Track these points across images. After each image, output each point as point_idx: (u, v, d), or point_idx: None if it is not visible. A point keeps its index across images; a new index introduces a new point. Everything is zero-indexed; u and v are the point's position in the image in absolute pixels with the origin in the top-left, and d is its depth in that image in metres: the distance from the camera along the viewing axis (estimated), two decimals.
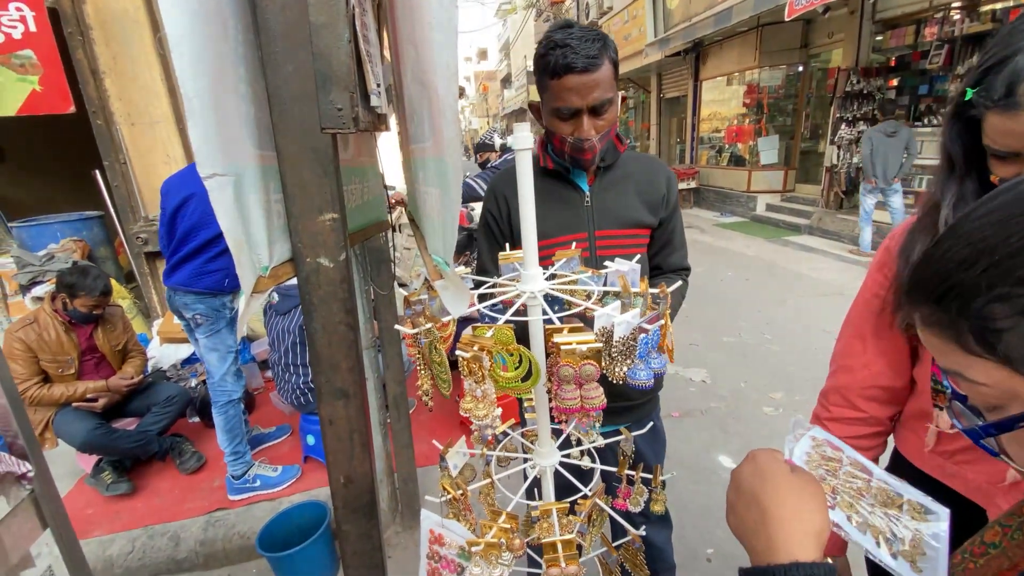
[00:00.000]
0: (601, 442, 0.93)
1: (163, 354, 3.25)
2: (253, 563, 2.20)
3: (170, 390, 2.68)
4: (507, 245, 1.05)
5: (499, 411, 0.63)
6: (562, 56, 1.00)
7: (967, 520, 0.78)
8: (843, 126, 6.94)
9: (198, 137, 0.60)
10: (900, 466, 0.94)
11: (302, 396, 2.50)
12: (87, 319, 2.42)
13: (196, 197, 2.16)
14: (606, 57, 1.04)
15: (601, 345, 0.59)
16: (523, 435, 0.96)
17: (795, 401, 3.12)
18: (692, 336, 4.11)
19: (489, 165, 3.53)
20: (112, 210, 3.70)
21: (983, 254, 0.36)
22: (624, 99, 1.16)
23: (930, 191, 0.79)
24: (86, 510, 2.43)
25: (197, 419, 3.01)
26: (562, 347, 0.59)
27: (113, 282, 2.99)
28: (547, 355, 0.68)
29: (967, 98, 0.66)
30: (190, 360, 3.29)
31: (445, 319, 0.71)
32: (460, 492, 0.77)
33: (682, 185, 10.58)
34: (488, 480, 0.82)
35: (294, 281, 2.38)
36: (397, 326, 0.78)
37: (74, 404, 2.40)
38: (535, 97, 1.21)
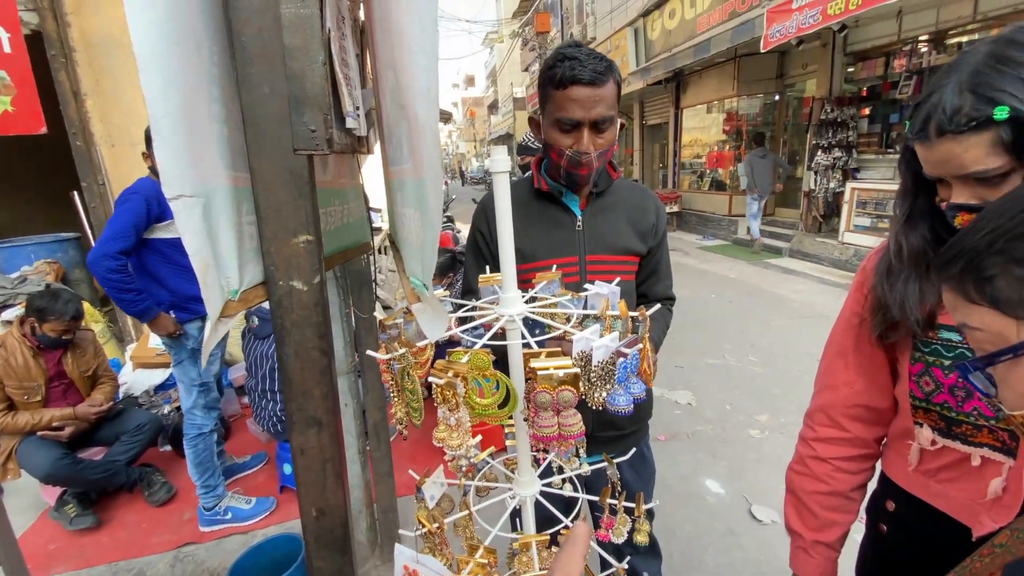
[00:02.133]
0: (584, 470, 0.91)
1: (136, 380, 3.14)
2: None
3: (141, 418, 2.58)
4: (494, 264, 1.04)
5: (476, 440, 0.61)
6: (569, 68, 1.02)
7: (956, 541, 0.77)
8: (819, 153, 7.17)
9: (166, 158, 0.59)
10: (888, 489, 0.93)
11: (279, 424, 2.42)
12: (56, 344, 2.33)
13: None
14: (611, 77, 1.06)
15: (579, 370, 0.57)
16: (504, 463, 0.93)
17: (780, 423, 3.12)
18: (677, 358, 4.12)
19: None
20: (89, 231, 3.62)
21: (988, 222, 0.47)
22: (622, 125, 1.18)
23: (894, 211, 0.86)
24: (48, 545, 2.30)
25: (169, 448, 2.90)
26: (539, 372, 0.57)
27: (86, 305, 2.91)
28: (526, 380, 0.67)
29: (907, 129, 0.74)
30: (164, 386, 3.19)
31: (422, 344, 0.69)
32: (436, 525, 0.74)
33: (665, 209, 10.77)
34: (465, 512, 0.79)
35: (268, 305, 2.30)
36: (369, 351, 0.75)
37: (39, 433, 2.29)
38: (522, 124, 1.23)
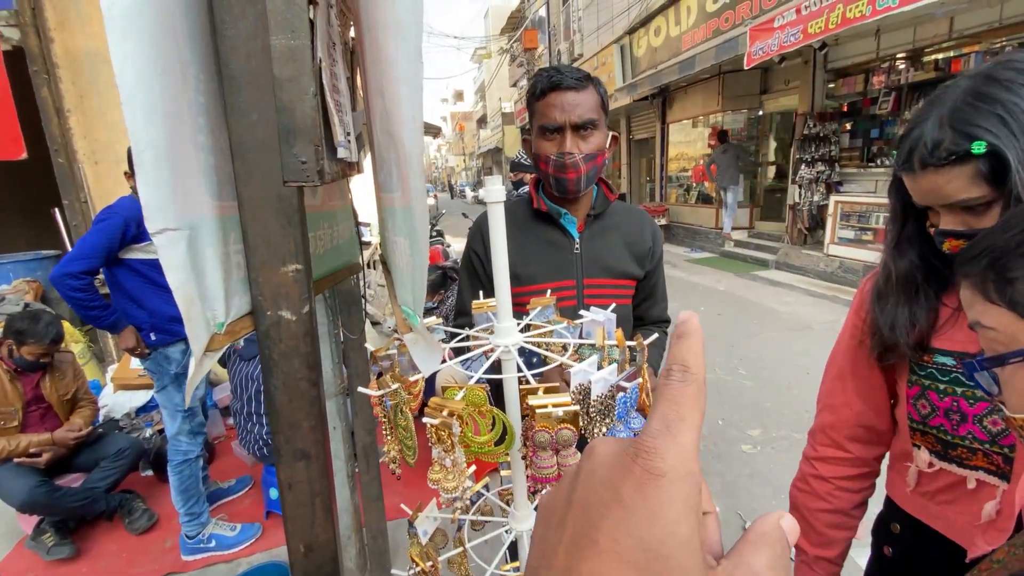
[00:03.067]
0: None
1: (116, 402, 3.05)
2: None
3: (121, 442, 2.50)
4: (490, 285, 1.03)
5: (471, 470, 0.58)
6: (548, 77, 1.07)
7: (958, 562, 0.77)
8: (803, 167, 7.30)
9: (148, 192, 0.57)
10: (891, 510, 0.94)
11: (265, 447, 2.36)
12: (34, 367, 2.26)
13: None
14: (591, 85, 1.10)
15: (578, 407, 0.56)
16: (499, 494, 0.91)
17: (772, 438, 3.12)
18: None
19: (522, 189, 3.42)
20: (70, 249, 3.55)
21: (1020, 223, 0.48)
22: (616, 139, 1.20)
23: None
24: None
25: (151, 472, 2.81)
26: (537, 411, 0.55)
27: (66, 324, 2.84)
28: (523, 416, 0.65)
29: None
30: (146, 408, 3.10)
31: (414, 377, 0.67)
32: (430, 564, 0.71)
33: None
34: (460, 549, 0.76)
35: None
36: (361, 388, 0.73)
37: (15, 460, 2.21)
38: (511, 138, 1.25)
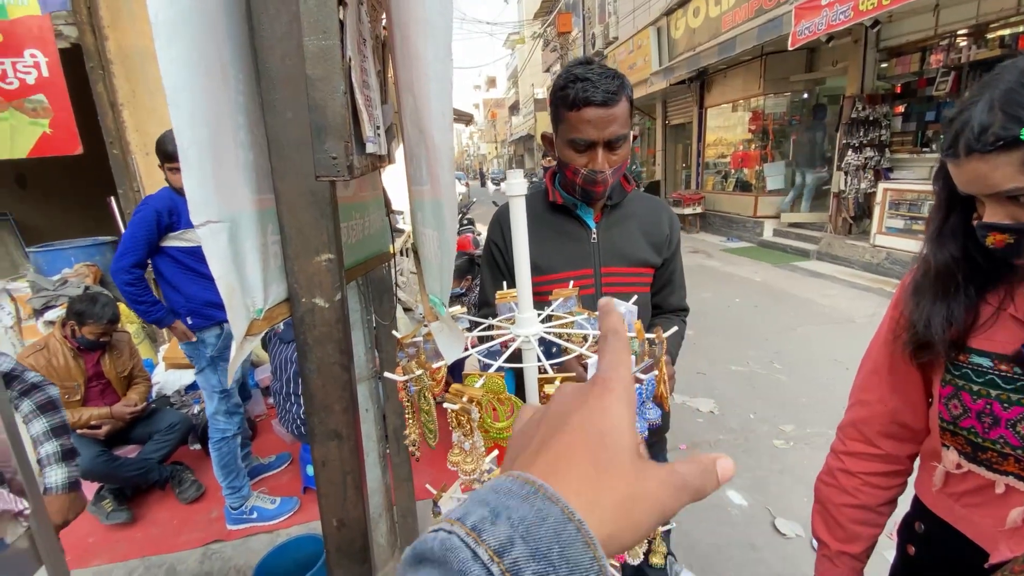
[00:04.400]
0: None
1: (168, 380, 3.25)
2: None
3: (172, 417, 2.67)
4: (510, 276, 1.05)
5: (493, 455, 0.61)
6: (582, 89, 1.03)
7: (980, 565, 0.76)
8: (850, 152, 6.96)
9: (193, 187, 0.61)
10: (917, 509, 0.92)
11: (302, 426, 2.48)
12: (95, 346, 2.44)
13: None
14: (624, 95, 1.07)
15: None
16: None
17: (806, 434, 3.04)
18: (699, 364, 4.05)
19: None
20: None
21: None
22: (635, 136, 1.18)
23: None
24: (87, 539, 2.40)
25: (198, 446, 2.99)
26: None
27: (122, 307, 3.03)
28: (540, 403, 0.67)
29: None
30: (194, 386, 3.29)
31: (437, 364, 0.70)
32: None
33: (688, 211, 10.60)
34: None
35: None
36: (387, 374, 0.76)
37: (78, 431, 2.39)
38: (543, 125, 1.25)
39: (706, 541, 2.24)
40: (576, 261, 1.21)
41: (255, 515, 2.38)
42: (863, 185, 6.88)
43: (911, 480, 0.96)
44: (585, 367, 0.65)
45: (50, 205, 5.95)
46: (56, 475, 1.26)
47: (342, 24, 0.62)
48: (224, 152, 0.66)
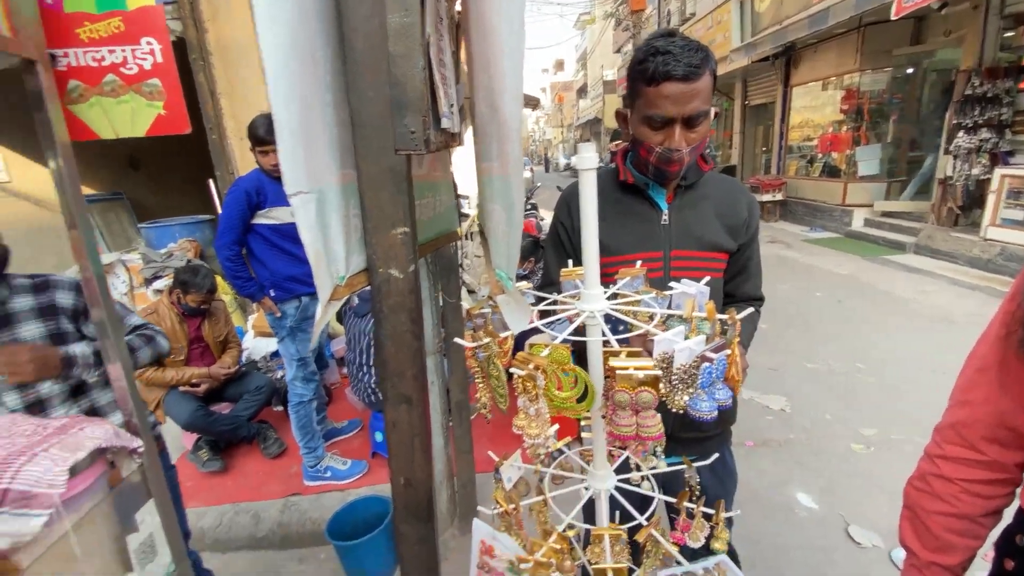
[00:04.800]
0: (661, 468, 0.90)
1: (255, 346, 3.56)
2: (322, 549, 2.34)
3: (259, 380, 2.93)
4: (575, 258, 1.05)
5: (555, 428, 0.63)
6: (663, 63, 0.98)
7: None
8: (961, 133, 6.20)
9: (286, 160, 0.67)
10: (1019, 521, 0.83)
11: (373, 395, 2.63)
12: (196, 312, 2.72)
13: None
14: (707, 69, 1.00)
15: (660, 372, 0.57)
16: (580, 454, 0.95)
17: (891, 440, 2.80)
18: (772, 360, 3.83)
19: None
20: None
21: None
22: (717, 113, 1.13)
23: None
24: (185, 483, 2.69)
25: (281, 408, 3.27)
26: (618, 372, 0.58)
27: (218, 279, 3.34)
28: (605, 378, 0.67)
29: None
30: (277, 353, 3.58)
31: (503, 334, 0.72)
32: (512, 506, 0.78)
33: (767, 197, 9.95)
34: (541, 498, 0.82)
35: None
36: (457, 339, 0.80)
37: (180, 388, 2.70)
38: (611, 108, 1.21)
39: (768, 540, 2.15)
40: (645, 243, 1.18)
41: (328, 474, 2.57)
42: (975, 171, 6.11)
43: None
44: (651, 345, 0.64)
45: (158, 186, 6.64)
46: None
47: (423, 2, 0.64)
48: (313, 130, 0.71)
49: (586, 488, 0.84)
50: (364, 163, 0.78)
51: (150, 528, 1.02)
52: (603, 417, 0.67)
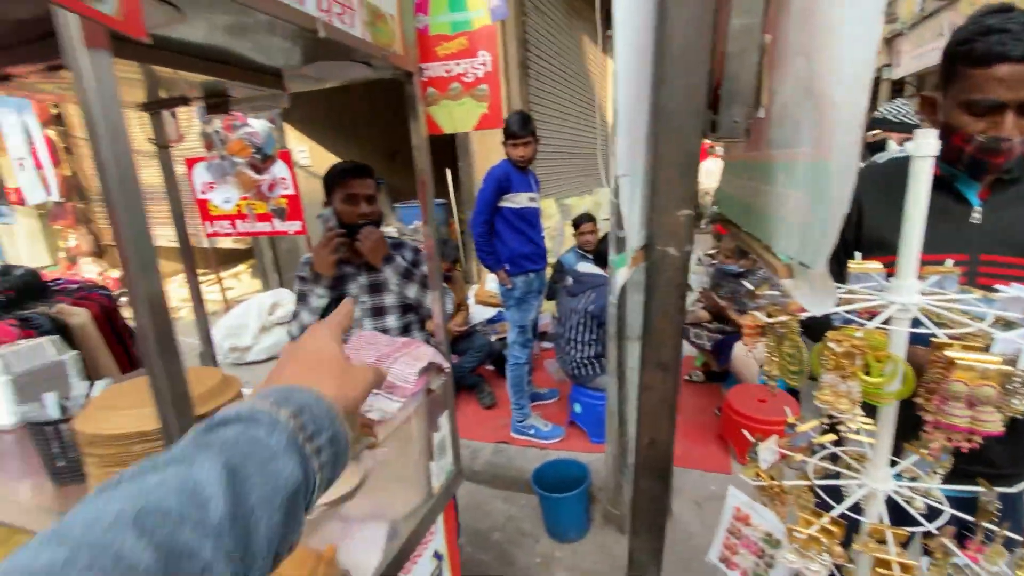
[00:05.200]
0: (934, 485, 0.82)
1: (476, 313, 4.12)
2: (523, 495, 2.64)
3: (480, 340, 3.41)
4: (852, 250, 1.00)
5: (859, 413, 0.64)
6: (998, 42, 0.88)
7: None
8: None
9: (621, 145, 0.80)
10: None
11: (577, 369, 2.83)
12: (444, 279, 3.29)
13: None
14: None
15: (1010, 368, 0.54)
16: (844, 454, 0.92)
17: None
18: None
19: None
20: (452, 199, 4.87)
21: None
22: None
23: None
24: None
25: (492, 368, 3.74)
26: (957, 362, 0.56)
27: None
28: (918, 373, 0.66)
29: None
30: (492, 320, 4.09)
31: (805, 315, 0.75)
32: (776, 484, 0.81)
33: None
34: (806, 483, 0.83)
35: (586, 268, 2.72)
36: (755, 312, 0.85)
37: None
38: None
39: None
40: (945, 244, 1.04)
41: (532, 431, 2.87)
42: None
43: None
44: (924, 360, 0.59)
45: (408, 173, 8.02)
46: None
47: (767, 3, 0.70)
48: (636, 118, 0.84)
49: (859, 485, 0.82)
50: (661, 148, 0.88)
51: (444, 431, 1.34)
52: (920, 409, 0.65)
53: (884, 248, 0.93)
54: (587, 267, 3.02)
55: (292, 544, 0.37)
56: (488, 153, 4.39)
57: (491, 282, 4.24)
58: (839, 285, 0.83)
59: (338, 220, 1.65)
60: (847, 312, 0.72)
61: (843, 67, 0.68)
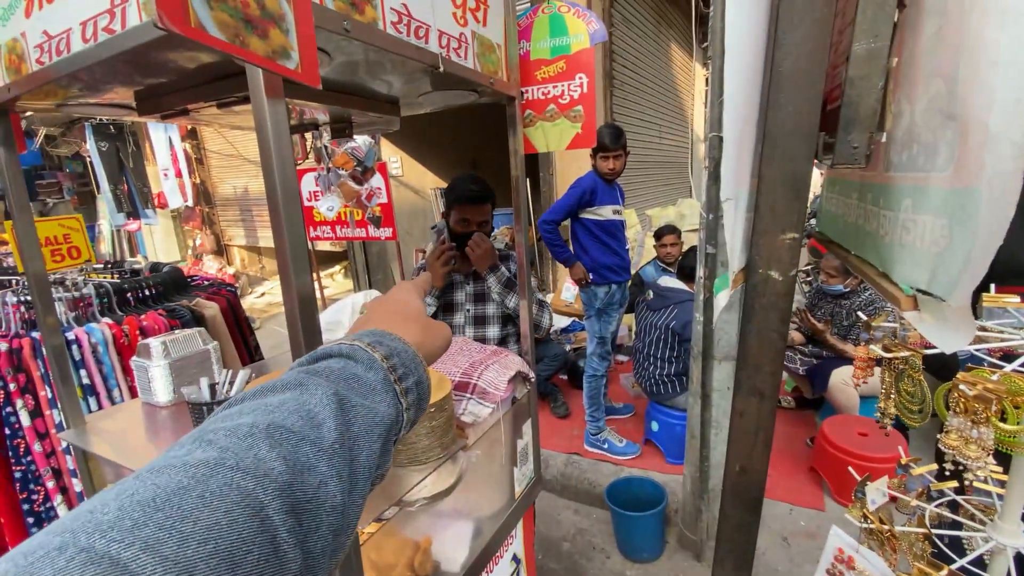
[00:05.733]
0: None
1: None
2: (594, 509, 2.62)
3: (556, 349, 3.42)
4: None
5: (989, 458, 0.59)
6: None
7: None
8: None
9: (727, 169, 0.80)
10: None
11: (655, 386, 2.76)
12: None
13: None
14: None
15: None
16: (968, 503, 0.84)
17: None
18: None
19: None
20: (530, 209, 4.96)
21: None
22: None
23: None
24: None
25: (565, 377, 3.74)
26: None
27: None
28: None
29: None
30: (566, 330, 4.10)
31: (930, 352, 0.71)
32: (887, 528, 0.76)
33: None
34: (922, 530, 0.77)
35: (668, 283, 2.65)
36: (871, 346, 0.81)
37: None
38: None
39: None
40: None
41: (606, 446, 2.84)
42: None
43: None
44: None
45: (489, 181, 8.29)
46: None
47: (895, 26, 0.67)
48: (745, 143, 0.83)
49: (985, 539, 0.75)
50: (768, 171, 0.87)
51: (527, 439, 1.38)
52: None
53: (1022, 277, 0.85)
54: (669, 281, 2.95)
55: (383, 475, 0.39)
56: (570, 164, 4.42)
57: (566, 291, 4.25)
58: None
59: (450, 233, 1.76)
60: (977, 351, 0.67)
61: (997, 93, 0.63)
